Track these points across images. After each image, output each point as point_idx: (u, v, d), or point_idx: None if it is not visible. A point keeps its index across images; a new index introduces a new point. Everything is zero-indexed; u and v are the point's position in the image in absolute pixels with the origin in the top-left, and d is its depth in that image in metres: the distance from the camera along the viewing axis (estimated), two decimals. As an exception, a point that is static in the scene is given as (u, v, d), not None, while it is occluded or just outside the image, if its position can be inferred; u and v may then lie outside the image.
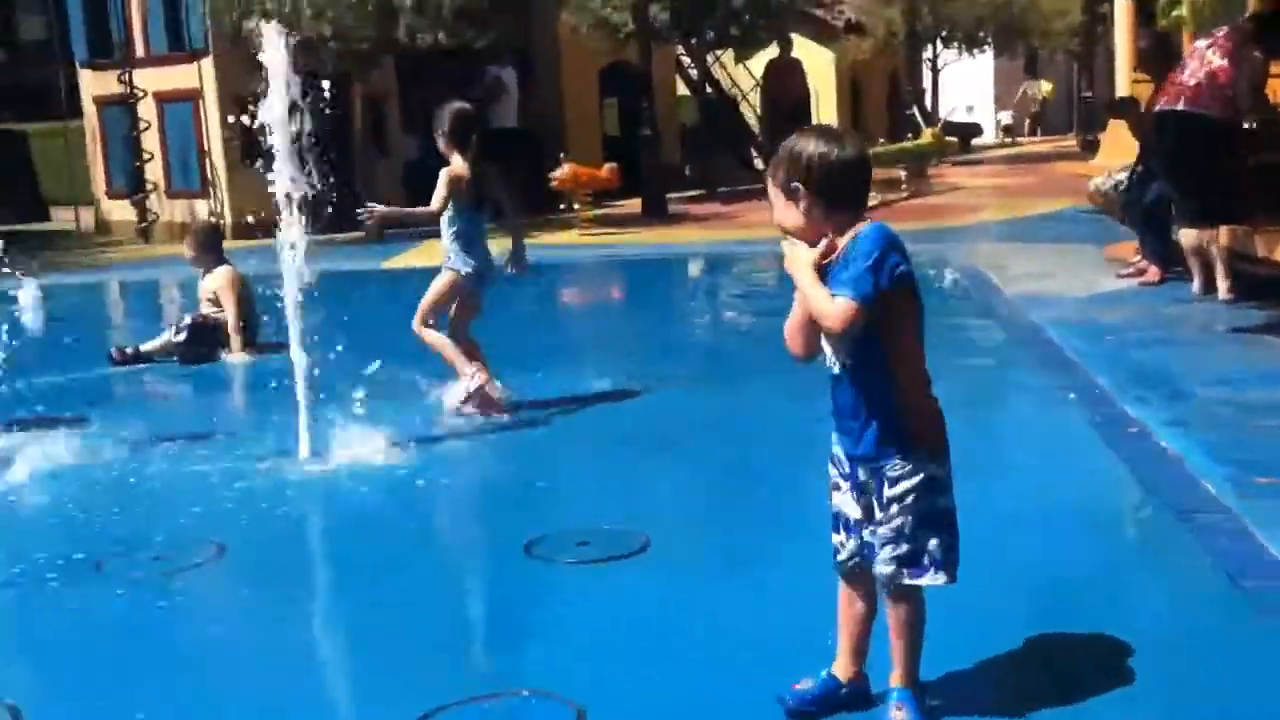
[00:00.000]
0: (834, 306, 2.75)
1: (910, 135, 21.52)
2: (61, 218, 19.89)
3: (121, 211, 18.04)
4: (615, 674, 3.37)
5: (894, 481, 2.84)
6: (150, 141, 17.52)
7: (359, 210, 6.14)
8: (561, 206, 16.77)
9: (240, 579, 4.41)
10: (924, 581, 2.87)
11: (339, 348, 5.99)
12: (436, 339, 6.27)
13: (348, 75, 15.51)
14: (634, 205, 17.07)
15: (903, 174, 19.02)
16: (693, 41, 19.86)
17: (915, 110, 21.74)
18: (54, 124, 19.40)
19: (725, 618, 3.69)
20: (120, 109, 17.84)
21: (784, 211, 2.85)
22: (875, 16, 25.92)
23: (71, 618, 4.04)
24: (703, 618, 3.70)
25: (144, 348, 8.36)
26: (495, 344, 6.45)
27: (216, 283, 8.46)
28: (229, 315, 8.32)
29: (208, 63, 16.68)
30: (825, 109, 25.61)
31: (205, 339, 8.31)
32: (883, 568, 2.88)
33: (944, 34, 27.15)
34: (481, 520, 4.85)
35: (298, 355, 5.76)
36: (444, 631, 3.76)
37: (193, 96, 17.05)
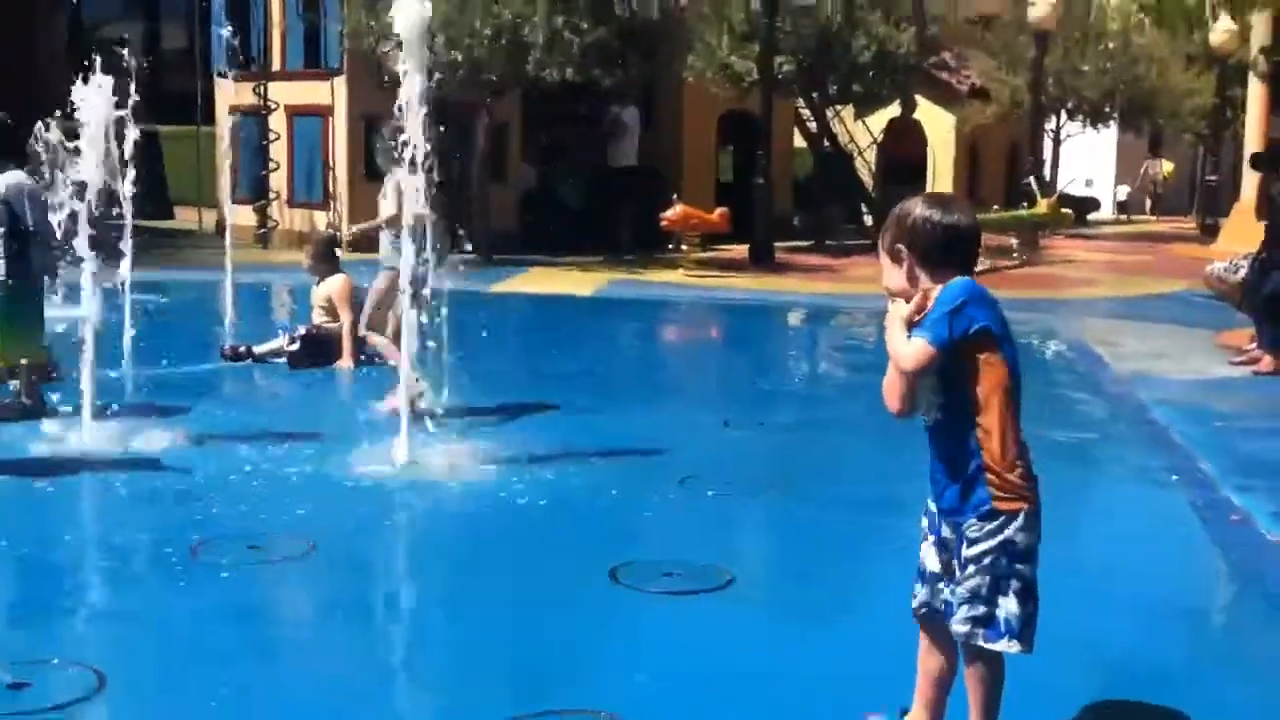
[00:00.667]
0: (907, 347, 2.79)
1: (1025, 204, 21.25)
2: (184, 218, 20.49)
3: (243, 217, 18.53)
4: (688, 704, 3.40)
5: (972, 542, 2.84)
6: (278, 152, 18.01)
7: (350, 231, 6.32)
8: (669, 246, 16.86)
9: (327, 577, 4.51)
10: (998, 647, 2.85)
11: (446, 363, 6.12)
12: (382, 342, 6.43)
13: (474, 104, 15.79)
14: (741, 251, 17.07)
15: (1015, 242, 18.81)
16: (814, 95, 19.89)
17: (1033, 180, 21.43)
18: (187, 128, 20.01)
19: (803, 659, 3.70)
20: (253, 119, 18.39)
21: (890, 273, 2.89)
22: (1001, 84, 25.69)
23: (161, 597, 4.19)
24: (780, 657, 3.71)
25: (257, 349, 8.58)
26: (595, 376, 6.52)
27: (331, 289, 8.66)
28: (344, 322, 8.50)
29: (340, 81, 17.13)
30: (942, 172, 25.40)
31: (317, 349, 8.51)
32: (958, 626, 2.87)
33: (1069, 106, 26.81)
34: (571, 542, 4.89)
35: (405, 368, 5.89)
36: (521, 647, 3.81)
37: (323, 112, 17.53)
